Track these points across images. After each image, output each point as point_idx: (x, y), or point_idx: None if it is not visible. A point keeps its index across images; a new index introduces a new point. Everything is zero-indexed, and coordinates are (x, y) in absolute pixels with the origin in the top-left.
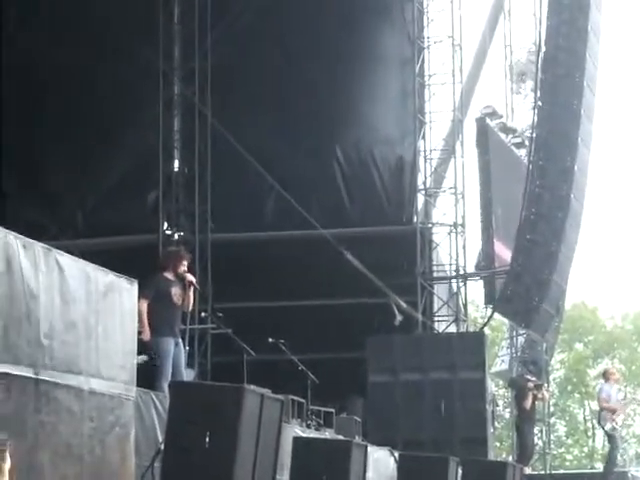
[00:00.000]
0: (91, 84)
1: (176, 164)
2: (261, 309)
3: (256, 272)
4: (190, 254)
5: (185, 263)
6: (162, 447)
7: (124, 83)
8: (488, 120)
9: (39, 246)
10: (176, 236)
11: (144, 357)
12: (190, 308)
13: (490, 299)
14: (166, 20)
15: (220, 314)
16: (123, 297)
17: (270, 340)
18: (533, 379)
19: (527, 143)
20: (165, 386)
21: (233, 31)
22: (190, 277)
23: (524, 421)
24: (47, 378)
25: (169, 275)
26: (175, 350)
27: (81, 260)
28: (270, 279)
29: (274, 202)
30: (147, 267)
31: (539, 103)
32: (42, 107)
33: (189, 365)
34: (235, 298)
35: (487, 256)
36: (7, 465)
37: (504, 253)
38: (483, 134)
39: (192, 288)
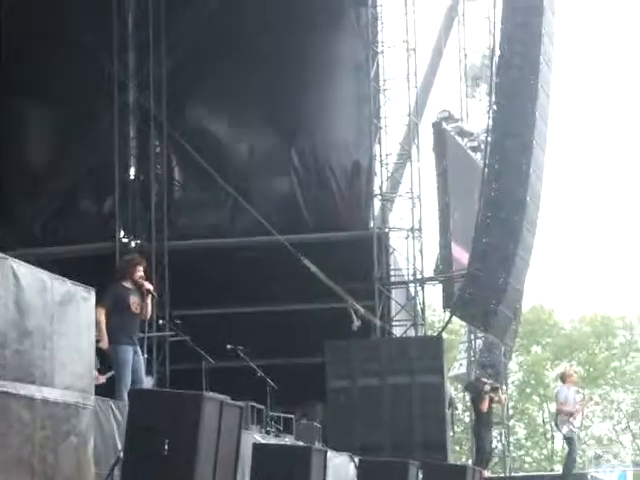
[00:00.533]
0: (47, 90)
1: (132, 172)
2: (219, 316)
3: (214, 279)
4: (145, 260)
5: (141, 269)
6: (121, 455)
7: (80, 90)
8: (444, 124)
9: None
10: (133, 244)
11: (112, 372)
12: (148, 316)
13: (448, 303)
14: (120, 26)
15: (178, 321)
16: (80, 306)
17: (229, 347)
18: (489, 382)
19: (483, 147)
20: (125, 394)
21: (188, 35)
22: (147, 285)
23: (481, 424)
24: None
25: (126, 283)
26: (134, 358)
27: (37, 269)
28: (228, 285)
29: (232, 208)
30: (104, 275)
31: (494, 107)
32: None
33: (148, 373)
34: (193, 305)
35: (445, 260)
36: None
37: (462, 257)
38: (440, 138)
39: (150, 296)
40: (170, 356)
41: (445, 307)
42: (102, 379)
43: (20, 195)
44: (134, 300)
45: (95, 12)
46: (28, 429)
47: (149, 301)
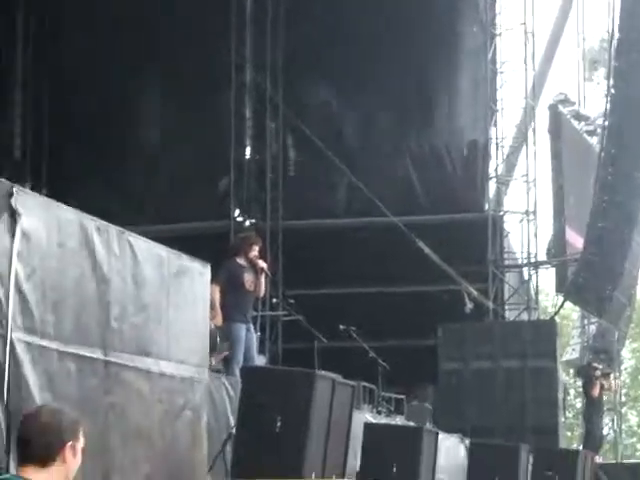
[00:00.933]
0: (164, 70)
1: (248, 151)
2: (332, 296)
3: (327, 259)
4: (261, 239)
5: (256, 248)
6: (234, 431)
7: (197, 70)
8: (561, 107)
9: (113, 229)
10: (247, 223)
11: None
12: (262, 294)
13: (561, 287)
14: (238, 7)
15: (291, 301)
16: (195, 280)
17: (341, 327)
18: (601, 367)
19: (599, 131)
20: (237, 371)
21: (305, 19)
22: (262, 263)
23: (592, 410)
24: (116, 360)
25: (241, 261)
26: (247, 335)
27: (154, 243)
28: (341, 266)
29: (346, 189)
30: (219, 254)
31: (612, 90)
32: (119, 90)
33: (260, 351)
34: (306, 285)
35: (558, 244)
36: (80, 445)
37: (576, 241)
38: (555, 121)
39: (264, 274)
40: (283, 335)
41: (558, 291)
42: (220, 357)
43: (136, 173)
44: (248, 278)
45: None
46: (147, 402)
47: (263, 279)
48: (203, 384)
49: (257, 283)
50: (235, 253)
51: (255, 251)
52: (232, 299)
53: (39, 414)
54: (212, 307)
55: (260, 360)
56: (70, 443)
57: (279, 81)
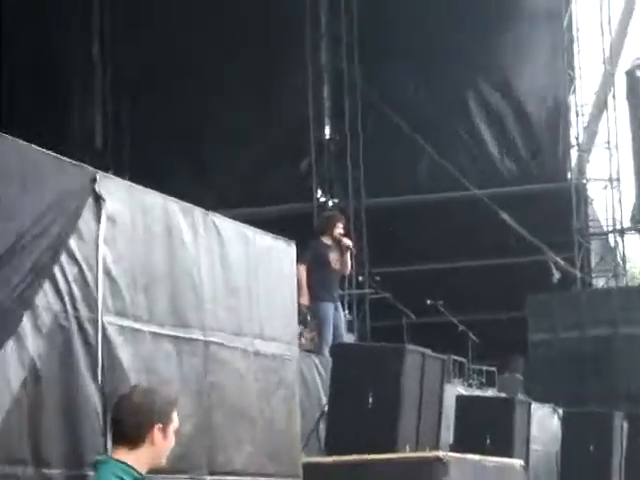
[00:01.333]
0: (241, 54)
1: (327, 132)
2: (418, 272)
3: (412, 235)
4: (345, 217)
5: (340, 226)
6: (326, 409)
7: (273, 52)
8: (638, 72)
9: (197, 210)
10: (330, 203)
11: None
12: (348, 272)
13: None
14: None
15: (378, 278)
16: (282, 258)
17: (429, 302)
18: None
19: None
20: (326, 350)
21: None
22: (347, 241)
23: None
24: (215, 340)
25: (326, 240)
26: (335, 314)
27: (238, 223)
28: (425, 242)
29: (427, 164)
30: (303, 235)
31: None
32: (197, 77)
33: (349, 330)
34: (392, 262)
35: None
36: (173, 426)
37: None
38: (633, 87)
39: (349, 252)
40: (370, 313)
41: None
42: (309, 336)
43: (218, 158)
44: (334, 256)
45: None
46: (245, 381)
47: (348, 257)
48: (294, 362)
49: (343, 261)
50: (320, 233)
51: (339, 229)
52: (319, 278)
53: (132, 395)
54: (299, 287)
55: (349, 338)
56: (159, 425)
57: (355, 59)
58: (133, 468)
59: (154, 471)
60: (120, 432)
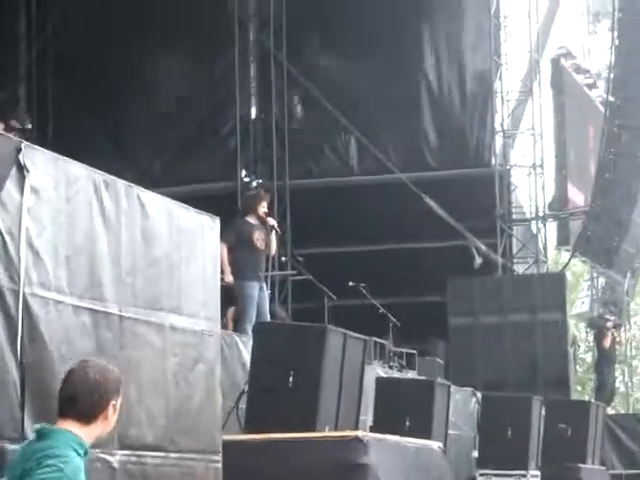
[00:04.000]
0: (170, 31)
1: (253, 111)
2: (341, 254)
3: (335, 218)
4: (269, 194)
5: (265, 204)
6: (246, 388)
7: (201, 30)
8: (562, 61)
9: (121, 183)
10: (254, 183)
11: None
12: (273, 252)
13: (563, 241)
14: None
15: (300, 259)
16: (205, 234)
17: (350, 284)
18: (612, 319)
19: (598, 85)
20: (249, 329)
21: None
22: (271, 220)
23: (604, 361)
24: (131, 315)
25: (251, 219)
26: (259, 294)
27: (162, 197)
28: (349, 224)
29: (354, 148)
30: (226, 214)
31: (616, 42)
32: (122, 53)
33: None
34: (314, 244)
35: (560, 198)
36: (119, 401)
37: (576, 197)
38: (557, 75)
39: (274, 231)
40: (292, 294)
41: (560, 245)
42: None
43: (142, 135)
44: (259, 236)
45: None
46: (161, 356)
47: (273, 236)
48: (215, 338)
49: (267, 240)
50: (245, 212)
51: (264, 208)
52: (243, 257)
53: (86, 371)
54: (221, 265)
55: (280, 312)
56: (113, 402)
57: (283, 40)
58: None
59: None
60: (73, 407)
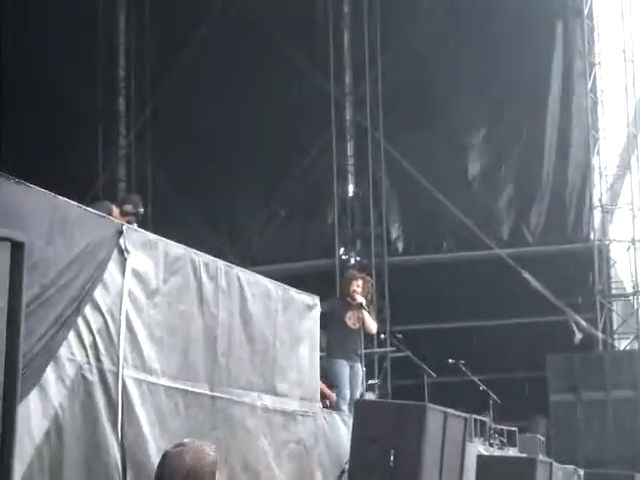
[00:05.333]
0: (267, 110)
1: (350, 188)
2: (439, 331)
3: (433, 294)
4: (364, 275)
5: (354, 284)
6: (347, 467)
7: (298, 110)
8: None
9: (221, 263)
10: (352, 260)
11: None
12: (372, 331)
13: None
14: (337, 46)
15: (399, 336)
16: (303, 313)
17: (450, 361)
18: None
19: None
20: (342, 406)
21: (403, 55)
22: (359, 298)
23: None
24: (222, 395)
25: (344, 299)
26: (350, 373)
27: (261, 276)
28: (448, 300)
29: (450, 224)
30: (325, 292)
31: None
32: (215, 140)
33: (369, 389)
34: (413, 321)
35: None
36: None
37: None
38: None
39: (362, 307)
40: (392, 372)
41: None
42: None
43: (240, 214)
44: (351, 315)
45: (309, 34)
46: (252, 436)
47: (367, 315)
48: (312, 418)
49: (357, 318)
50: (342, 292)
51: (354, 287)
52: (333, 335)
53: (183, 454)
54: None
55: (369, 397)
56: None
57: (379, 118)
58: None
59: None
60: None
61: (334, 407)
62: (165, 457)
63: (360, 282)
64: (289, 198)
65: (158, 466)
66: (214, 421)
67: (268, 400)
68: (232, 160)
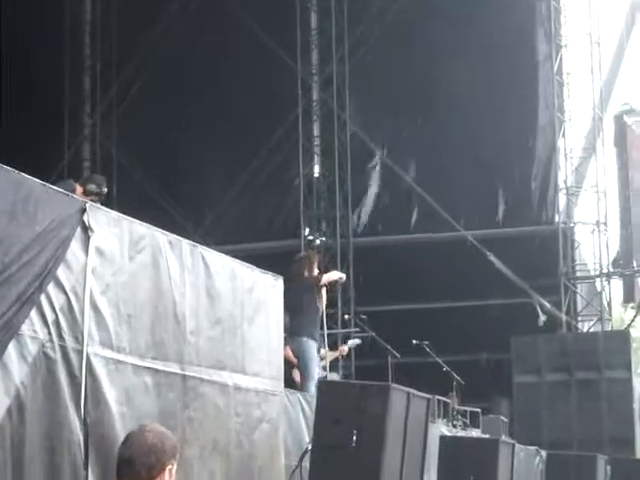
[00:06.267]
0: (229, 91)
1: (317, 169)
2: (404, 312)
3: (399, 275)
4: (319, 254)
5: (315, 264)
6: (309, 446)
7: (265, 89)
8: (626, 117)
9: (185, 242)
10: (317, 241)
11: (357, 341)
12: (323, 308)
13: (629, 298)
14: (304, 26)
15: (363, 317)
16: (268, 293)
17: (414, 342)
18: None
19: None
20: (310, 387)
21: (370, 35)
22: (323, 279)
23: None
24: (193, 374)
25: (309, 279)
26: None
27: (226, 256)
28: (413, 282)
29: (416, 205)
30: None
31: None
32: (182, 118)
33: (333, 369)
34: (377, 301)
35: (625, 254)
36: (175, 467)
37: None
38: (621, 131)
39: (324, 288)
40: (355, 352)
41: (626, 302)
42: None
43: (205, 193)
44: (314, 295)
45: (278, 14)
46: (223, 415)
47: (323, 293)
48: (278, 397)
49: (321, 299)
50: (300, 273)
51: (317, 266)
52: (300, 316)
53: (144, 435)
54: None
55: (333, 378)
56: (170, 466)
57: (346, 99)
58: None
59: None
60: (131, 471)
61: (299, 386)
62: (128, 437)
63: (317, 261)
64: (255, 178)
65: (120, 445)
66: (185, 400)
67: (239, 379)
68: (198, 139)
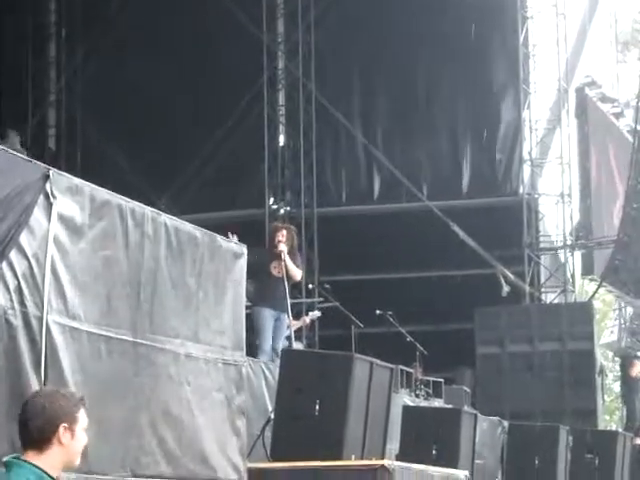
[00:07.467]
0: (198, 60)
1: (282, 138)
2: (368, 282)
3: (363, 245)
4: (286, 225)
5: (280, 234)
6: (272, 415)
7: (231, 58)
8: (587, 90)
9: (148, 210)
10: (282, 211)
11: (317, 313)
12: (297, 279)
13: (587, 270)
14: None
15: (327, 286)
16: (230, 262)
17: (378, 312)
18: None
19: (626, 114)
20: (262, 357)
21: (336, 3)
22: (281, 247)
23: (631, 390)
24: (146, 342)
25: (272, 249)
26: (275, 324)
27: (189, 224)
28: (377, 252)
29: (381, 175)
30: (254, 241)
31: None
32: (146, 86)
33: (297, 338)
34: (342, 271)
35: (585, 227)
36: (81, 425)
37: (599, 224)
38: (582, 104)
39: (283, 257)
40: (319, 322)
41: (585, 274)
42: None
43: (171, 162)
44: (275, 264)
45: None
46: (174, 383)
47: (290, 264)
48: (235, 367)
49: (280, 268)
50: (267, 243)
51: (278, 237)
52: (260, 285)
53: (36, 397)
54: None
55: (297, 347)
56: (64, 425)
57: (311, 68)
58: (46, 472)
59: (71, 472)
60: (27, 434)
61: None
62: (24, 403)
63: (284, 232)
64: (220, 147)
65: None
66: (136, 368)
67: (192, 347)
68: (163, 107)
